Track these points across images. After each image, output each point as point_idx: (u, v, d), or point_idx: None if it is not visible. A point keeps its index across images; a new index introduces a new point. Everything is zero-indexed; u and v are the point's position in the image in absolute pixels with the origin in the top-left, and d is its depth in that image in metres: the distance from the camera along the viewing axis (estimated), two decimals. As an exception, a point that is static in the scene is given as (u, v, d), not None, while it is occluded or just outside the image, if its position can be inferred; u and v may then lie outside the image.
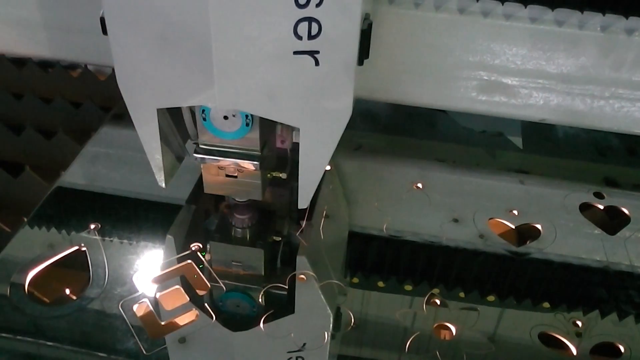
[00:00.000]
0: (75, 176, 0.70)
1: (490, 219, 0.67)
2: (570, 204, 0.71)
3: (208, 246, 0.60)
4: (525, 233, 0.67)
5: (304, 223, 0.62)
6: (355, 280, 0.61)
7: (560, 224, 0.68)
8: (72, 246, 0.60)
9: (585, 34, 0.62)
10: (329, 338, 0.53)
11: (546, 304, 0.59)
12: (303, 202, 0.55)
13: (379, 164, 0.75)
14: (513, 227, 0.67)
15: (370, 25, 0.49)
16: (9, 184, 0.80)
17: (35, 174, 0.79)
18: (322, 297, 0.56)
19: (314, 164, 0.53)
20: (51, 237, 0.62)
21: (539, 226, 0.67)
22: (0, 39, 0.68)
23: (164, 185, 0.55)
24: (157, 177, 0.55)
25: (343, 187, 0.71)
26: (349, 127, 0.83)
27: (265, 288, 0.57)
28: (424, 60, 0.65)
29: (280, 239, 0.61)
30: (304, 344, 0.52)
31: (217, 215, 0.62)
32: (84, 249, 0.60)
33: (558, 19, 0.62)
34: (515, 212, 0.68)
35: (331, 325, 0.54)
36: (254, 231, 0.61)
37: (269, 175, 0.58)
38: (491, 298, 0.60)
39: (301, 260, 0.58)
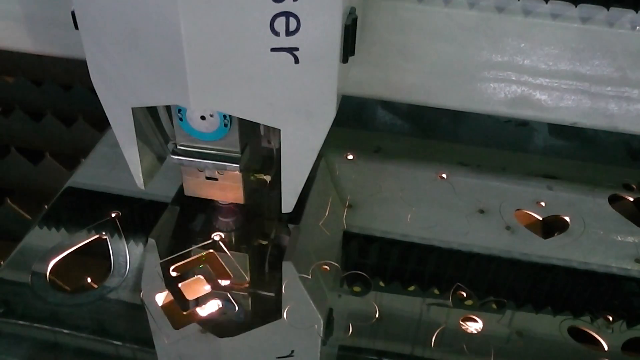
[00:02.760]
0: (92, 168, 0.70)
1: (517, 210, 0.65)
2: (599, 195, 0.68)
3: (192, 250, 0.58)
4: (553, 225, 0.65)
5: (327, 211, 0.61)
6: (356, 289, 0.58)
7: (588, 216, 0.65)
8: (93, 235, 0.60)
9: (620, 33, 0.58)
10: (320, 343, 0.52)
11: (576, 300, 0.57)
12: (287, 207, 0.53)
13: (399, 167, 0.72)
14: (540, 218, 0.65)
15: (355, 21, 0.46)
16: (30, 171, 0.81)
17: (55, 161, 0.80)
18: (311, 302, 0.54)
19: (297, 167, 0.51)
20: (72, 225, 0.62)
21: (567, 218, 0.65)
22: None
23: (142, 186, 0.54)
24: (135, 178, 0.53)
25: (353, 186, 0.68)
26: (367, 128, 0.82)
27: (252, 293, 0.55)
28: (449, 61, 0.63)
29: (266, 242, 0.59)
30: (293, 351, 0.51)
31: (202, 217, 0.60)
32: (104, 237, 0.60)
33: (597, 17, 0.58)
34: (542, 203, 0.67)
35: (322, 329, 0.52)
36: (238, 235, 0.59)
37: (252, 177, 0.56)
38: (517, 297, 0.57)
39: (287, 265, 0.55)
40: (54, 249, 0.59)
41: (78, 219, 0.62)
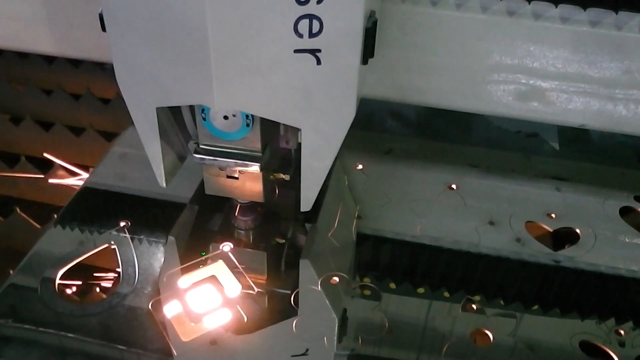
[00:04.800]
0: (104, 174, 0.71)
1: (527, 222, 0.66)
2: (610, 207, 0.68)
3: (210, 248, 0.59)
4: (564, 237, 0.65)
5: (342, 212, 0.62)
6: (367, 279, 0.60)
7: (599, 228, 0.65)
8: (101, 244, 0.61)
9: (628, 36, 0.59)
10: (335, 342, 0.52)
11: (585, 312, 0.58)
12: (306, 205, 0.53)
13: (410, 169, 0.73)
14: (551, 230, 0.65)
15: (375, 23, 0.47)
16: (38, 181, 0.81)
17: (64, 171, 0.80)
18: (326, 300, 0.55)
19: (316, 166, 0.51)
20: (81, 234, 0.62)
21: (577, 230, 0.65)
22: (3, 34, 0.69)
23: (164, 184, 0.55)
24: (157, 176, 0.54)
25: (364, 189, 0.69)
26: (379, 130, 0.83)
27: (269, 291, 0.56)
28: (459, 63, 0.63)
29: (284, 241, 0.60)
30: (307, 349, 0.51)
31: (220, 216, 0.61)
32: (113, 246, 0.61)
33: (595, 19, 0.59)
34: (553, 215, 0.66)
35: (336, 329, 0.53)
36: (257, 233, 0.60)
37: (271, 176, 0.56)
38: (528, 306, 0.58)
39: (304, 264, 0.56)
40: (63, 258, 0.59)
41: (87, 229, 0.63)
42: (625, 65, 0.61)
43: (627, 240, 0.64)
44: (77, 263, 0.59)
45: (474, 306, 0.56)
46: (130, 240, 0.61)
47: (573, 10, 0.58)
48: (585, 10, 0.58)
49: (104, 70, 0.87)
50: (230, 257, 0.57)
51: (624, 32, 0.59)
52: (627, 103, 0.63)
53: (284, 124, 0.54)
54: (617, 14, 0.58)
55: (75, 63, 0.89)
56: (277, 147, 0.57)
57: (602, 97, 0.63)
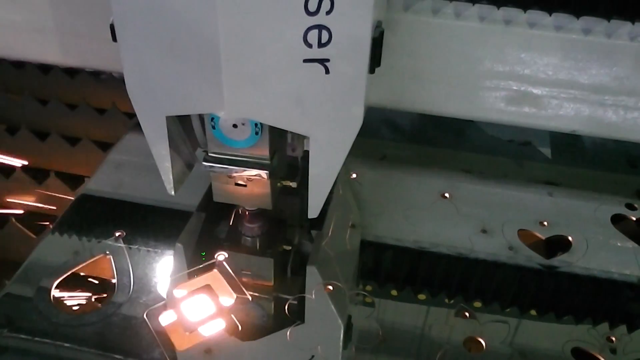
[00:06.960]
0: (100, 184, 0.70)
1: (520, 230, 0.66)
2: (602, 215, 0.69)
3: (217, 255, 0.59)
4: (556, 245, 0.65)
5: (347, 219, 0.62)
6: (369, 288, 0.61)
7: (591, 236, 0.66)
8: (97, 254, 0.61)
9: (618, 44, 0.60)
10: (341, 348, 0.53)
11: (578, 319, 0.59)
12: (313, 212, 0.54)
13: (404, 174, 0.74)
14: (543, 238, 0.66)
15: (382, 33, 0.48)
16: (34, 190, 0.81)
17: (60, 180, 0.80)
18: (332, 307, 0.56)
19: (324, 173, 0.52)
20: (76, 244, 0.62)
21: (570, 238, 0.66)
22: (10, 43, 0.69)
23: (172, 192, 0.55)
24: (166, 184, 0.55)
25: (359, 196, 0.70)
26: (373, 136, 0.84)
27: (275, 297, 0.57)
28: (452, 70, 0.64)
29: (290, 248, 0.60)
30: (312, 356, 0.52)
31: (227, 223, 0.62)
32: (109, 256, 0.61)
33: (587, 27, 0.60)
34: (545, 223, 0.67)
35: (342, 335, 0.54)
36: (264, 240, 0.60)
37: (279, 184, 0.57)
38: (522, 312, 0.59)
39: (311, 270, 0.57)
40: (59, 268, 0.59)
41: (83, 238, 0.63)
42: (614, 72, 0.62)
43: (617, 247, 0.65)
44: (72, 273, 0.59)
45: (467, 314, 0.57)
46: (125, 250, 0.61)
47: (566, 18, 0.60)
48: (578, 18, 0.60)
49: (100, 80, 0.87)
50: (225, 266, 0.58)
51: (614, 39, 0.60)
52: (616, 109, 0.65)
53: (291, 132, 0.55)
54: (609, 22, 0.59)
55: (71, 73, 0.89)
56: (285, 155, 0.57)
57: (592, 103, 0.64)
